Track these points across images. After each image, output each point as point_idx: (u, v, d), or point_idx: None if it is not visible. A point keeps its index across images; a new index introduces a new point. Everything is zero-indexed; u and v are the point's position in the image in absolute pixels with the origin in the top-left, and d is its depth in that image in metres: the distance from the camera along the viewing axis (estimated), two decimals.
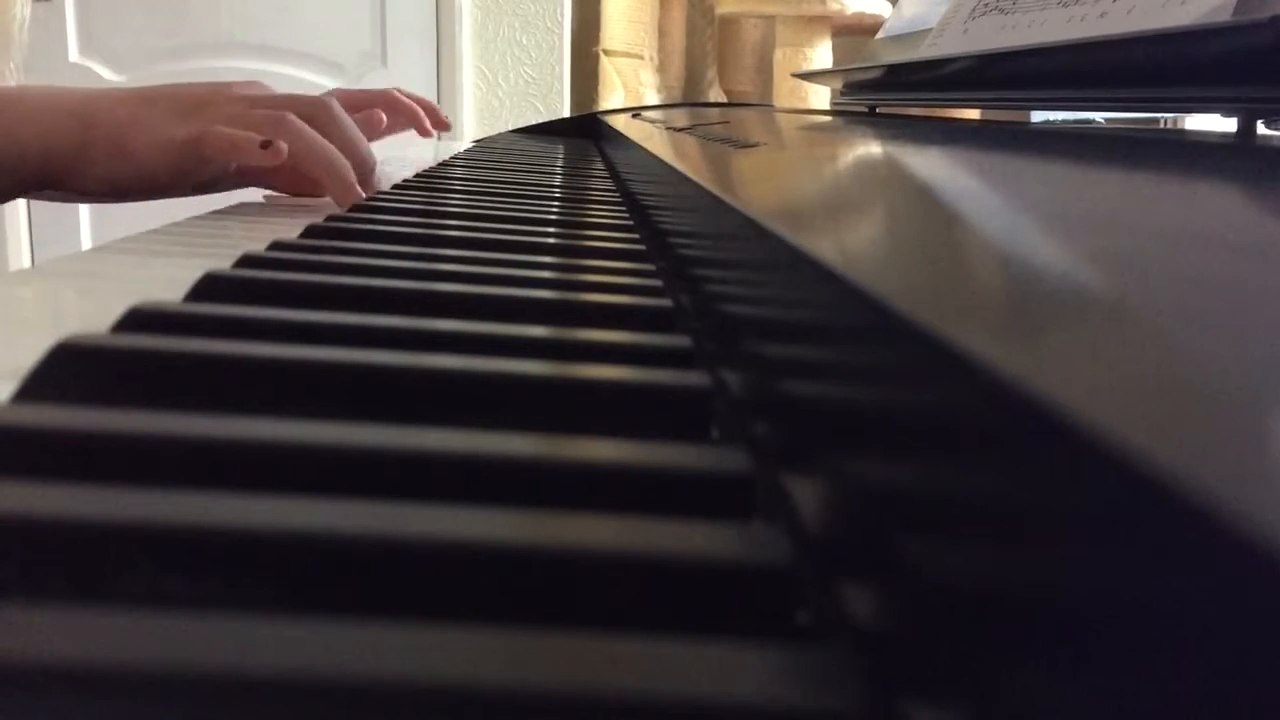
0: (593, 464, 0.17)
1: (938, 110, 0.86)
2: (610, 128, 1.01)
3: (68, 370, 0.19)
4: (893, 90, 0.76)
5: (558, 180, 0.68)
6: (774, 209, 0.24)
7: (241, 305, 0.25)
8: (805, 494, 0.16)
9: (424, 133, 0.96)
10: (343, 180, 0.50)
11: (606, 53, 2.27)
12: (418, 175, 0.65)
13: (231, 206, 0.53)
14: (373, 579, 0.14)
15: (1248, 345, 0.10)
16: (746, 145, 0.47)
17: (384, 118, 0.88)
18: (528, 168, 0.76)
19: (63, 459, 0.16)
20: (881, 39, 0.88)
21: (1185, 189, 0.24)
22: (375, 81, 2.15)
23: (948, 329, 0.11)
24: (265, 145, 0.46)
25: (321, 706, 0.11)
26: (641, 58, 2.28)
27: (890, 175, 0.33)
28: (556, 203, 0.54)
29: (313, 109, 0.52)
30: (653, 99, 2.24)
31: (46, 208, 1.88)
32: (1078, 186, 0.26)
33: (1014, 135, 0.46)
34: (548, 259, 0.36)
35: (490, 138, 1.31)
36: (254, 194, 0.61)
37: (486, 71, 2.23)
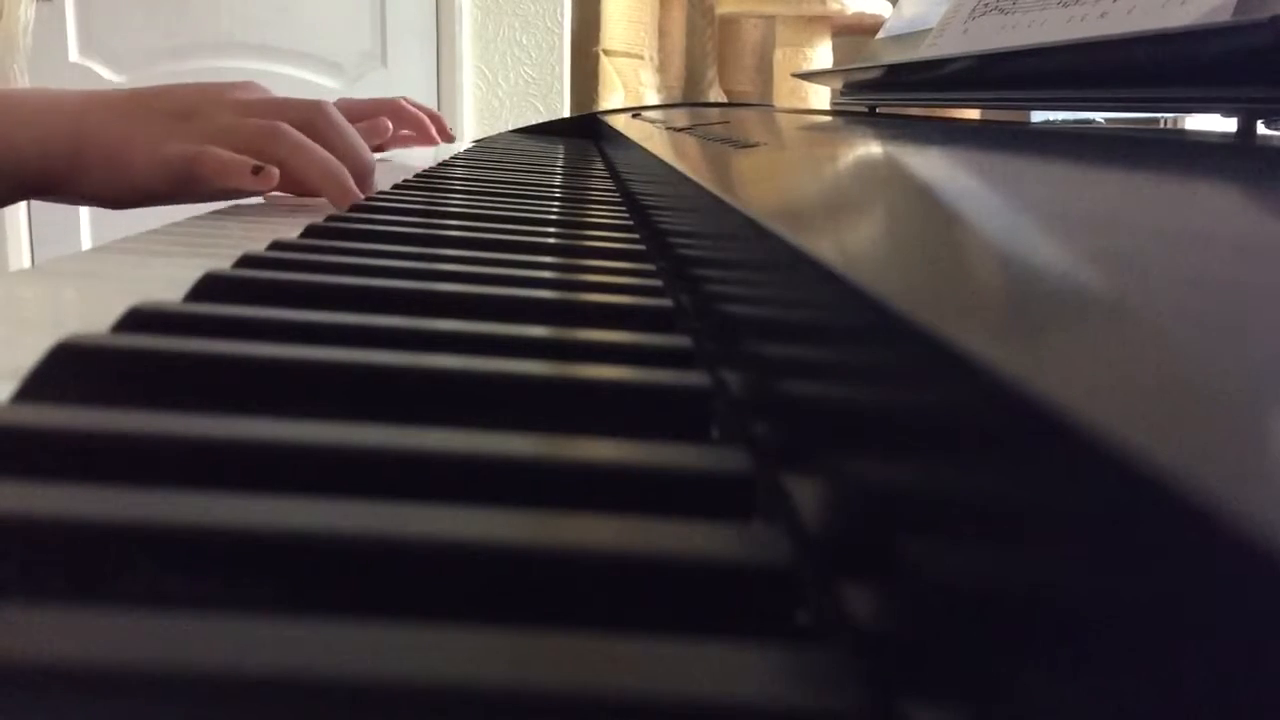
0: (593, 464, 0.17)
1: (938, 110, 0.86)
2: (610, 128, 1.01)
3: (68, 370, 0.19)
4: (893, 90, 0.76)
5: (558, 180, 0.68)
6: (774, 209, 0.24)
7: (241, 305, 0.25)
8: (805, 494, 0.16)
9: (430, 142, 0.97)
10: (339, 185, 0.50)
11: (606, 53, 2.27)
12: (418, 175, 0.65)
13: (231, 206, 0.53)
14: (373, 579, 0.14)
15: (1248, 345, 0.10)
16: (746, 145, 0.47)
17: (389, 125, 0.88)
18: (528, 168, 0.76)
19: (63, 459, 0.16)
20: (881, 39, 0.88)
21: (1185, 189, 0.24)
22: (375, 81, 2.15)
23: (948, 329, 0.11)
24: (257, 171, 0.47)
25: (321, 706, 0.11)
26: (641, 58, 2.28)
27: (890, 175, 0.33)
28: (556, 203, 0.54)
29: (307, 114, 0.52)
30: (653, 99, 2.24)
31: (46, 208, 1.88)
32: (1078, 186, 0.26)
33: (1014, 135, 0.46)
34: (548, 259, 0.36)
35: (490, 138, 1.31)
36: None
37: (486, 71, 2.23)
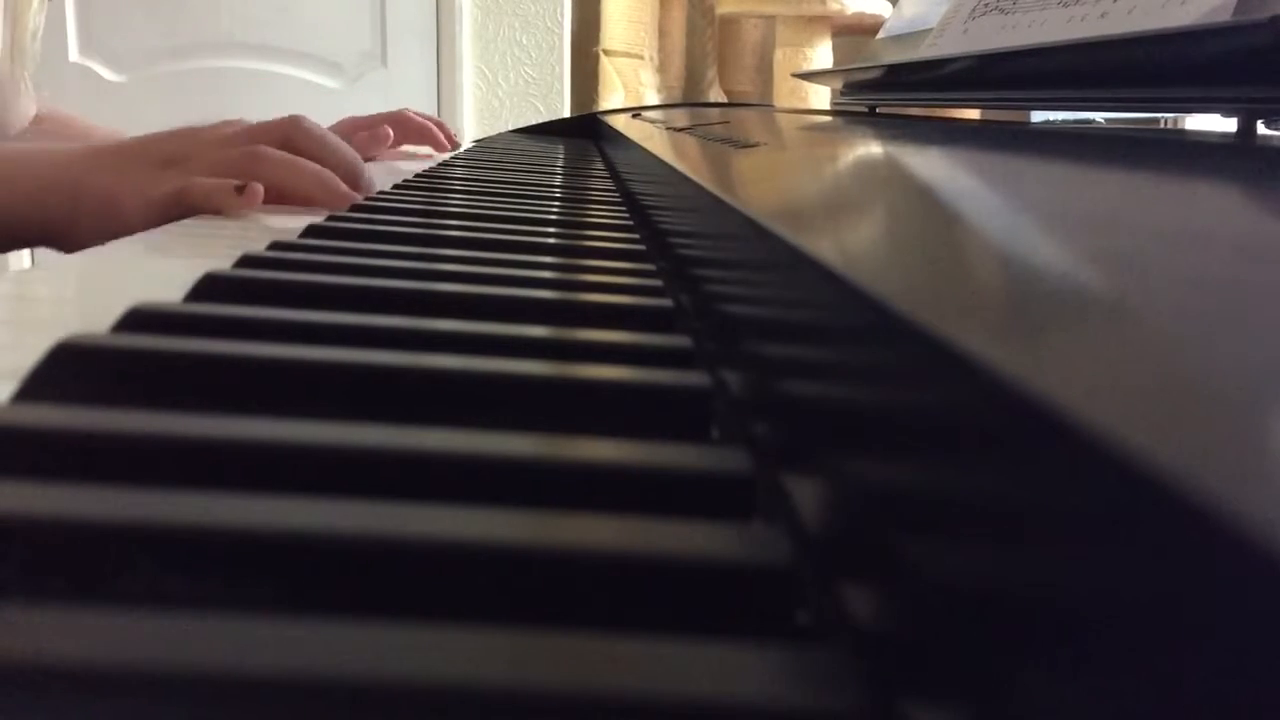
0: (593, 464, 0.17)
1: (938, 110, 0.86)
2: (610, 128, 1.01)
3: (68, 370, 0.19)
4: (893, 90, 0.76)
5: (558, 180, 0.68)
6: (774, 209, 0.24)
7: (241, 305, 0.25)
8: (805, 494, 0.16)
9: (439, 148, 0.98)
10: (329, 189, 0.51)
11: (606, 53, 2.27)
12: (418, 175, 0.65)
13: None
14: (373, 579, 0.14)
15: (1248, 345, 0.10)
16: (746, 145, 0.47)
17: (390, 132, 0.90)
18: (528, 168, 0.76)
19: (63, 459, 0.16)
20: (881, 39, 0.88)
21: (1185, 189, 0.24)
22: (375, 81, 2.15)
23: (948, 329, 0.11)
24: (240, 190, 0.49)
25: (321, 706, 0.11)
26: (641, 58, 2.28)
27: (890, 175, 0.33)
28: (556, 203, 0.54)
29: (282, 132, 0.54)
30: (653, 99, 2.24)
31: None
32: (1078, 187, 0.26)
33: (1014, 135, 0.46)
34: (548, 259, 0.36)
35: (490, 138, 1.31)
36: None
37: (486, 71, 2.23)
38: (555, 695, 0.11)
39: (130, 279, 0.34)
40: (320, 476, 0.16)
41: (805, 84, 1.95)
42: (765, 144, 0.48)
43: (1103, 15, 0.47)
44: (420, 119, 0.98)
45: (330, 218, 0.42)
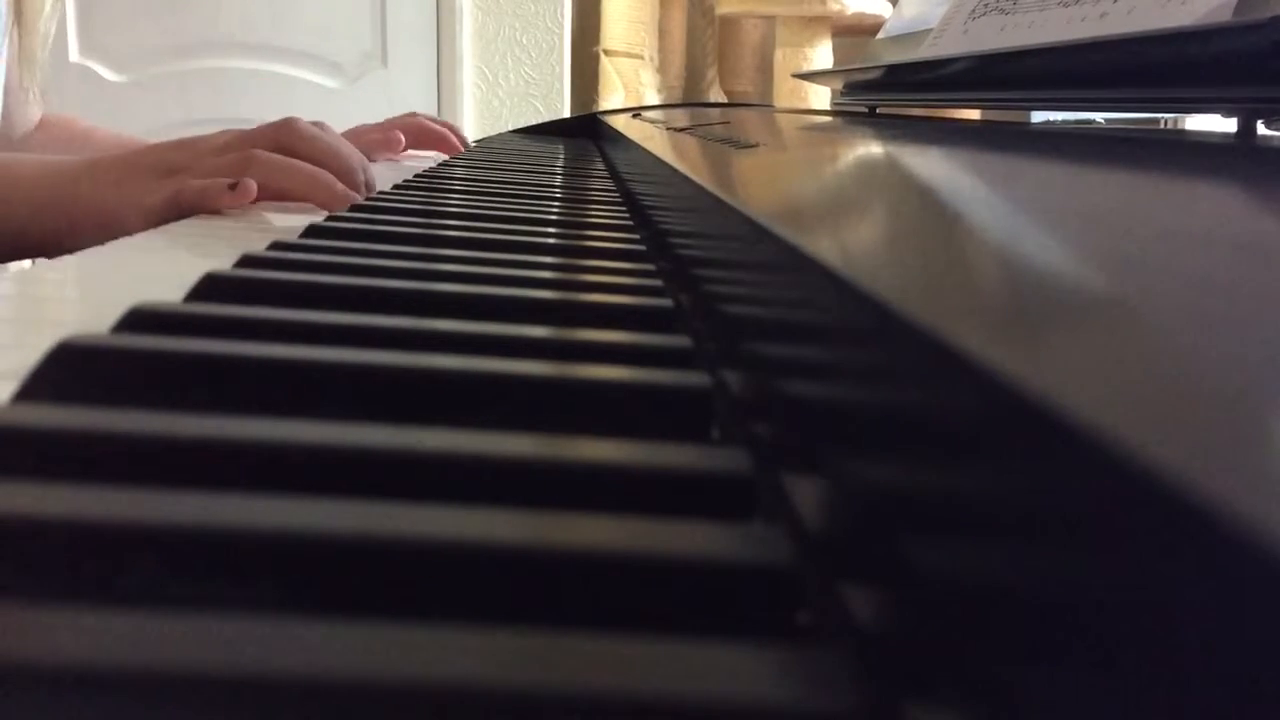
0: (593, 464, 0.17)
1: (938, 111, 0.86)
2: (610, 128, 1.01)
3: (68, 370, 0.19)
4: (893, 91, 0.76)
5: (558, 180, 0.68)
6: (774, 209, 0.24)
7: (241, 305, 0.25)
8: (806, 494, 0.16)
9: (452, 151, 0.98)
10: (324, 189, 0.51)
11: (607, 53, 2.27)
12: (418, 175, 0.65)
13: None
14: (373, 579, 0.14)
15: (1248, 345, 0.10)
16: (747, 145, 0.47)
17: (401, 138, 0.90)
18: (528, 168, 0.76)
19: (63, 459, 0.16)
20: (882, 39, 0.88)
21: (1186, 189, 0.24)
22: (375, 81, 2.15)
23: (948, 329, 0.11)
24: (233, 187, 0.49)
25: (321, 706, 0.11)
26: (642, 58, 2.28)
27: (890, 176, 0.33)
28: (557, 203, 0.54)
29: (276, 135, 0.54)
30: (653, 99, 2.24)
31: None
32: (1078, 187, 0.26)
33: (1014, 136, 0.46)
34: (548, 259, 0.36)
35: (490, 138, 1.31)
36: None
37: (486, 71, 2.23)
38: (556, 695, 0.11)
39: (130, 279, 0.34)
40: (320, 476, 0.16)
41: (805, 84, 1.95)
42: (765, 144, 0.48)
43: (1103, 15, 0.47)
44: (435, 125, 0.98)
45: (330, 218, 0.42)
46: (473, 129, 2.14)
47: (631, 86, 2.26)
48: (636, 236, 0.43)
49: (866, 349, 0.14)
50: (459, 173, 0.70)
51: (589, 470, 0.17)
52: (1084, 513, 0.08)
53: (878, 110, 0.81)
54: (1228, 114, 0.42)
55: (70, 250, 0.53)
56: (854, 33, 2.11)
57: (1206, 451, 0.07)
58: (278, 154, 0.52)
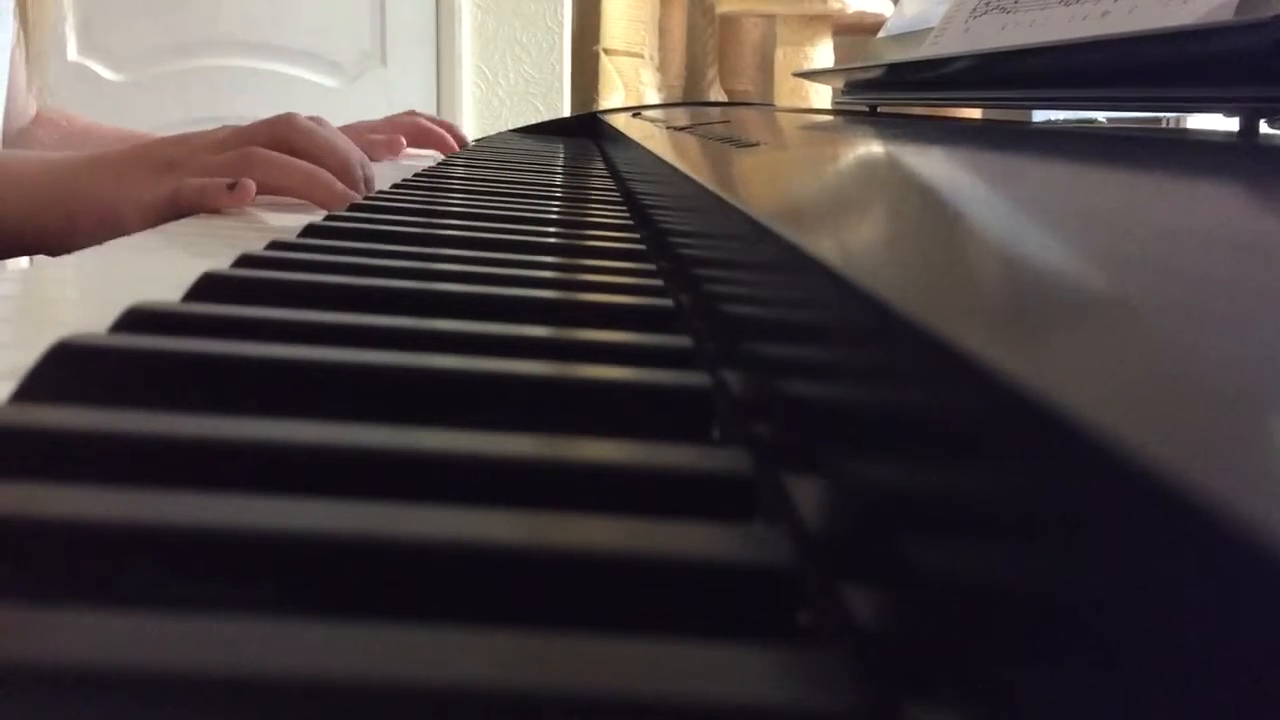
0: (593, 464, 0.17)
1: (939, 110, 0.86)
2: (610, 127, 1.01)
3: (66, 370, 0.19)
4: (894, 90, 0.76)
5: (558, 180, 0.68)
6: (775, 208, 0.24)
7: (240, 305, 0.25)
8: (806, 494, 0.16)
9: (450, 151, 0.98)
10: (323, 187, 0.51)
11: (607, 52, 2.27)
12: (417, 174, 0.65)
13: None
14: (372, 580, 0.14)
15: (1249, 345, 0.10)
16: (747, 144, 0.47)
17: (404, 142, 0.91)
18: (528, 167, 0.76)
19: (61, 459, 0.16)
20: (883, 38, 0.88)
21: (1188, 189, 0.24)
22: (374, 80, 2.15)
23: (949, 329, 0.11)
24: (231, 187, 0.49)
25: (321, 707, 0.11)
26: (642, 57, 2.28)
27: (892, 175, 0.33)
28: (557, 202, 0.54)
29: (275, 131, 0.54)
30: (653, 98, 2.24)
31: None
32: (1080, 186, 0.26)
33: (1016, 135, 0.46)
34: (548, 259, 0.36)
35: (490, 137, 1.31)
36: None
37: (486, 71, 2.23)
38: (556, 696, 0.11)
39: (129, 278, 0.34)
40: (319, 477, 0.16)
41: (806, 83, 1.95)
42: (766, 143, 0.48)
43: (1104, 14, 0.47)
44: (434, 125, 0.98)
45: (329, 217, 0.42)
46: (472, 128, 2.14)
47: (632, 86, 2.26)
48: (637, 236, 0.43)
49: (867, 349, 0.14)
50: (458, 172, 0.70)
51: (589, 470, 0.17)
52: (1084, 512, 0.08)
53: (879, 109, 0.81)
54: (1230, 113, 0.42)
55: (69, 247, 0.53)
56: (855, 31, 2.11)
57: (1206, 451, 0.07)
58: (276, 151, 0.52)
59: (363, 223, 0.41)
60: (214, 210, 0.49)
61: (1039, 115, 0.91)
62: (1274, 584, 0.06)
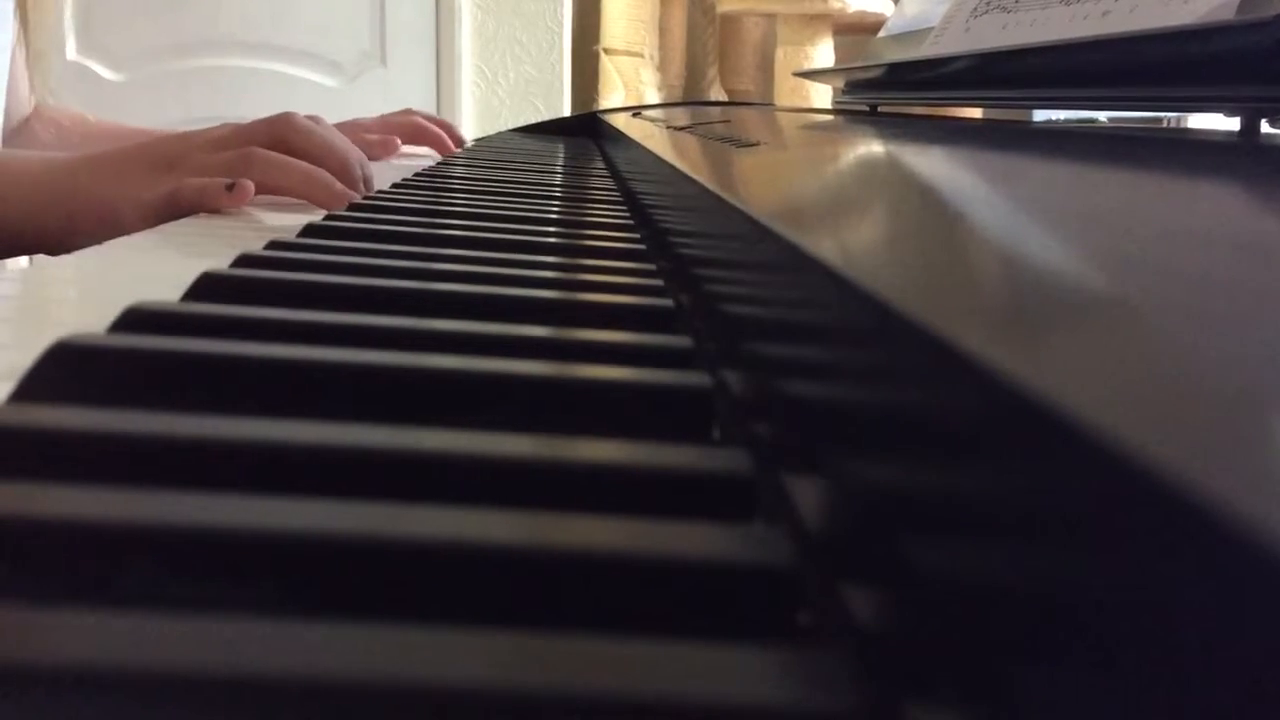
0: (593, 464, 0.17)
1: (940, 109, 0.86)
2: (611, 127, 1.01)
3: (65, 370, 0.19)
4: (894, 89, 0.76)
5: (558, 179, 0.68)
6: (775, 208, 0.24)
7: (239, 305, 0.25)
8: (806, 494, 0.16)
9: (447, 151, 0.99)
10: (322, 187, 0.51)
11: (607, 51, 2.27)
12: (417, 174, 0.65)
13: None
14: (372, 580, 0.14)
15: (1249, 345, 0.10)
16: (748, 144, 0.47)
17: (399, 143, 0.91)
18: (528, 167, 0.76)
19: (60, 459, 0.16)
20: (883, 38, 0.88)
21: (1188, 189, 0.24)
22: (374, 80, 2.15)
23: (949, 329, 0.11)
24: (230, 187, 0.49)
25: (321, 707, 0.11)
26: (642, 56, 2.28)
27: (892, 175, 0.33)
28: (557, 202, 0.54)
29: (274, 130, 0.54)
30: (653, 98, 2.24)
31: None
32: (1081, 186, 0.26)
33: (1016, 134, 0.46)
34: (548, 258, 0.36)
35: (490, 137, 1.31)
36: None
37: (486, 70, 2.23)
38: (556, 697, 0.11)
39: (128, 278, 0.34)
40: (319, 477, 0.16)
41: (806, 83, 1.95)
42: (766, 143, 0.48)
43: (1105, 14, 0.47)
44: (431, 125, 0.98)
45: (328, 217, 0.42)
46: (472, 128, 2.14)
47: (632, 85, 2.26)
48: (637, 236, 0.43)
49: (867, 348, 0.14)
50: (458, 171, 0.70)
51: (589, 471, 0.17)
52: (1084, 512, 0.08)
53: (879, 109, 0.81)
54: (1231, 113, 0.42)
55: (69, 247, 0.53)
56: (855, 31, 2.11)
57: (1206, 451, 0.07)
58: (275, 150, 0.52)
59: (362, 222, 0.41)
60: (213, 210, 0.49)
61: (1039, 115, 0.91)
62: (1274, 584, 0.06)
